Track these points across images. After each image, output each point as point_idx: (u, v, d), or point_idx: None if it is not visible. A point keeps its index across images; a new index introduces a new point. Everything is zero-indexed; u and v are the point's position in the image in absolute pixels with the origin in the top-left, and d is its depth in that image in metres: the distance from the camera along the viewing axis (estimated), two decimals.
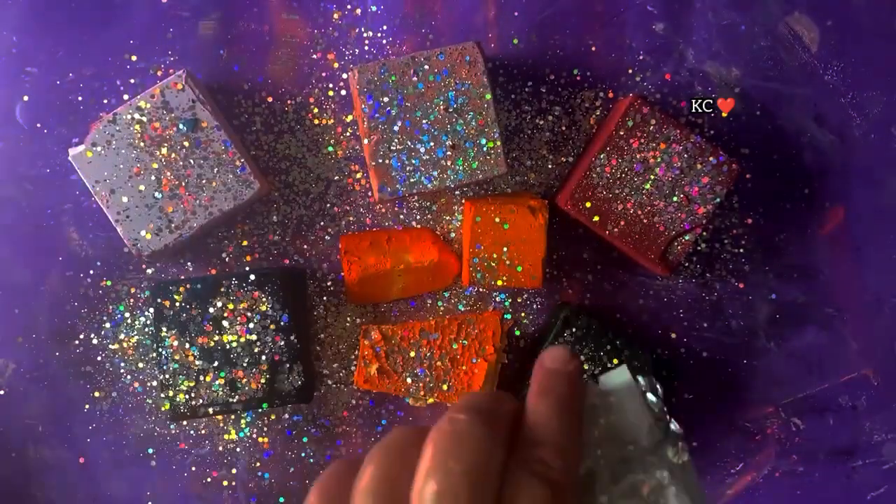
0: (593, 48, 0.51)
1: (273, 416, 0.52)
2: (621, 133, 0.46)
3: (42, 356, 0.51)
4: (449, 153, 0.46)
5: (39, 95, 0.50)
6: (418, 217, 0.52)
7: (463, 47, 0.46)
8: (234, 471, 0.52)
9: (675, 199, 0.46)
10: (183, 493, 0.52)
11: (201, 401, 0.47)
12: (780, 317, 0.53)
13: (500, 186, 0.52)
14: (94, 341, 0.51)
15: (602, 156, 0.46)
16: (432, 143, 0.46)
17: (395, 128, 0.46)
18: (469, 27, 0.51)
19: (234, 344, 0.47)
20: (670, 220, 0.47)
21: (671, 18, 0.51)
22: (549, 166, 0.52)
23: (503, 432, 0.25)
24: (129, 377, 0.52)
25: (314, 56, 0.51)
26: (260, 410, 0.52)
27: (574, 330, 0.49)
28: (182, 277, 0.51)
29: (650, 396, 0.29)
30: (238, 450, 0.52)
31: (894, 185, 0.52)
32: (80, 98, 0.50)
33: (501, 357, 0.50)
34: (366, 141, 0.46)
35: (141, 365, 0.51)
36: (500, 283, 0.48)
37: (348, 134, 0.51)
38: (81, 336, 0.51)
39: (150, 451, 0.52)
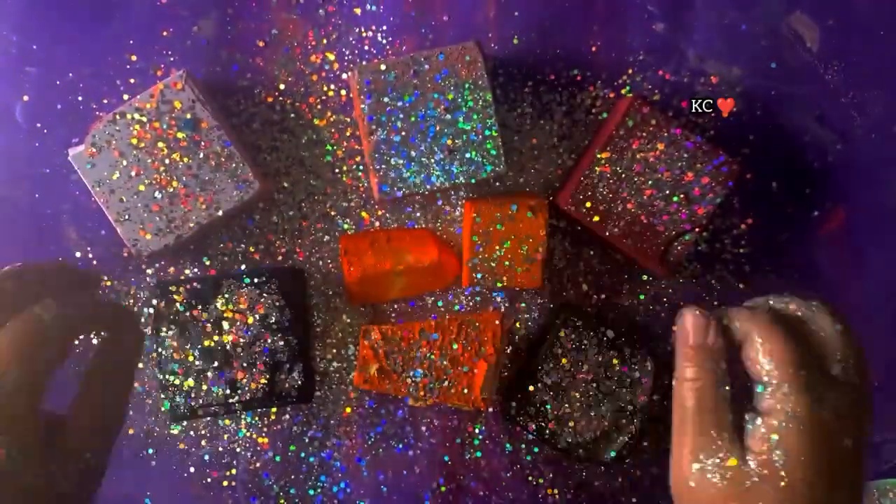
0: (593, 48, 0.51)
1: (273, 416, 0.52)
2: (621, 133, 0.46)
3: None
4: (448, 153, 0.46)
5: (39, 95, 0.50)
6: (418, 217, 0.52)
7: (463, 47, 0.45)
8: (234, 471, 0.52)
9: (675, 199, 0.46)
10: (183, 493, 0.52)
11: (201, 401, 0.47)
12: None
13: (500, 186, 0.52)
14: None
15: (602, 156, 0.46)
16: (432, 143, 0.46)
17: (395, 128, 0.46)
18: (469, 27, 0.51)
19: (235, 344, 0.47)
20: (670, 221, 0.47)
21: (671, 18, 0.51)
22: (550, 167, 0.52)
23: None
24: None
25: (314, 56, 0.51)
26: (260, 410, 0.52)
27: (573, 330, 0.49)
28: (182, 277, 0.51)
29: None
30: (238, 450, 0.52)
31: (895, 184, 0.52)
32: (79, 98, 0.50)
33: (501, 357, 0.50)
34: (366, 141, 0.46)
35: (141, 365, 0.51)
36: (499, 283, 0.48)
37: (348, 134, 0.51)
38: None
39: (150, 451, 0.52)
